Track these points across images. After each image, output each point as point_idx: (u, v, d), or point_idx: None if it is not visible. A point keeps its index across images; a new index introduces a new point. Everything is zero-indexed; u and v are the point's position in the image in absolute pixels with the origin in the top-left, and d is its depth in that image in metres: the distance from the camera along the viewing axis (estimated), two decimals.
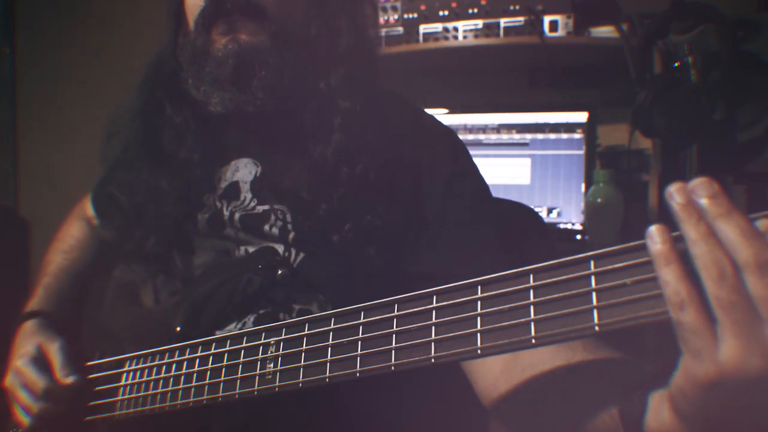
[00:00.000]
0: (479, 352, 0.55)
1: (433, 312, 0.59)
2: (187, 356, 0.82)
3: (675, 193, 0.46)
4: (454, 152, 0.98)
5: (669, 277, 0.45)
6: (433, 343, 0.58)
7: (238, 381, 0.74)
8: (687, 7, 1.39)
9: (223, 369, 0.76)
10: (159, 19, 1.03)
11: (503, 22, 1.88)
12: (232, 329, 0.92)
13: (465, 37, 1.92)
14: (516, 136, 2.02)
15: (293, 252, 0.93)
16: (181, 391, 0.81)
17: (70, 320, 1.06)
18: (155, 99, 1.02)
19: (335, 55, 0.95)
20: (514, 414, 0.80)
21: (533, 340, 0.52)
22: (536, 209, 1.82)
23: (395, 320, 0.62)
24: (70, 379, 0.93)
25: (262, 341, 0.73)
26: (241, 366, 0.74)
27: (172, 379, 0.83)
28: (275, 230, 0.93)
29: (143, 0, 2.42)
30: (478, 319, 0.56)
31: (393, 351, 0.61)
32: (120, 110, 1.07)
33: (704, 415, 0.48)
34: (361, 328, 0.64)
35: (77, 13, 2.60)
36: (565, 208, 1.96)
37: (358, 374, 0.63)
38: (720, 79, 1.32)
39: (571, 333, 0.51)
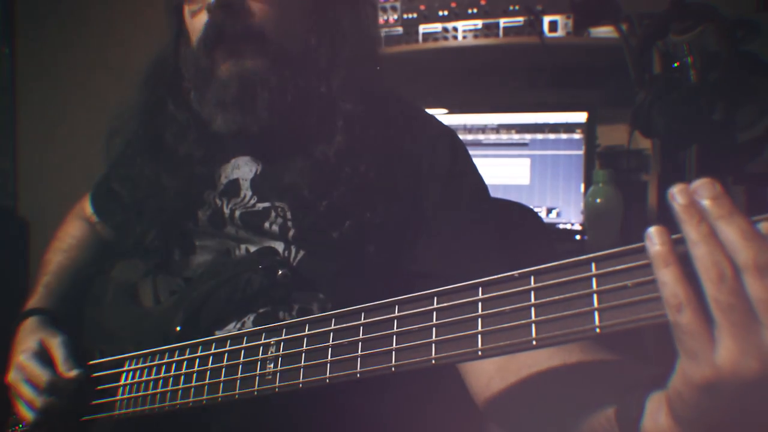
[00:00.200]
0: (480, 353, 0.55)
1: (434, 313, 0.59)
2: (187, 356, 0.82)
3: (677, 194, 0.46)
4: (454, 152, 0.98)
5: (667, 278, 0.45)
6: (433, 344, 0.58)
7: (238, 381, 0.74)
8: (686, 8, 1.39)
9: (223, 369, 0.76)
10: (159, 20, 1.04)
11: (503, 22, 1.88)
12: (231, 329, 0.92)
13: (464, 37, 1.92)
14: (515, 137, 2.02)
15: (293, 250, 0.94)
16: (180, 391, 0.81)
17: (70, 318, 1.07)
18: (157, 96, 1.03)
19: (336, 60, 0.95)
20: (508, 414, 0.80)
21: (534, 342, 0.52)
22: (535, 209, 1.82)
23: (396, 321, 0.62)
24: (73, 373, 0.93)
25: (263, 341, 0.73)
26: (241, 366, 0.74)
27: (171, 379, 0.83)
28: (275, 227, 0.94)
29: (143, 0, 2.42)
30: (479, 320, 0.56)
31: (393, 352, 0.61)
32: (122, 108, 1.07)
33: (701, 418, 0.48)
34: (361, 328, 0.64)
35: (77, 13, 2.60)
36: (565, 209, 1.96)
37: (358, 375, 0.63)
38: (719, 80, 1.32)
39: (572, 335, 0.50)
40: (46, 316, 1.05)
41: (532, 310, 0.53)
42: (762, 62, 1.36)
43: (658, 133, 1.41)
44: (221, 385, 0.76)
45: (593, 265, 0.50)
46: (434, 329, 0.59)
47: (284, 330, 0.72)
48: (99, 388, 0.93)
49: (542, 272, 0.53)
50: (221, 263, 0.95)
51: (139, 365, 0.89)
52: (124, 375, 0.90)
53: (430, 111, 1.08)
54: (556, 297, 0.52)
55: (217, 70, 0.92)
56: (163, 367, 0.85)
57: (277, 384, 0.70)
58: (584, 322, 0.50)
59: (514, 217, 1.27)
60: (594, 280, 0.50)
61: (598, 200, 1.77)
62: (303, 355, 0.68)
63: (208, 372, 0.78)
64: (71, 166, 2.48)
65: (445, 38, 1.94)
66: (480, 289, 0.57)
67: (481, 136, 2.06)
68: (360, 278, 0.92)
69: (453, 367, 0.85)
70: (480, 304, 0.56)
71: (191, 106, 0.99)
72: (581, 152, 1.94)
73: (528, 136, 2.00)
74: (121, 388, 0.90)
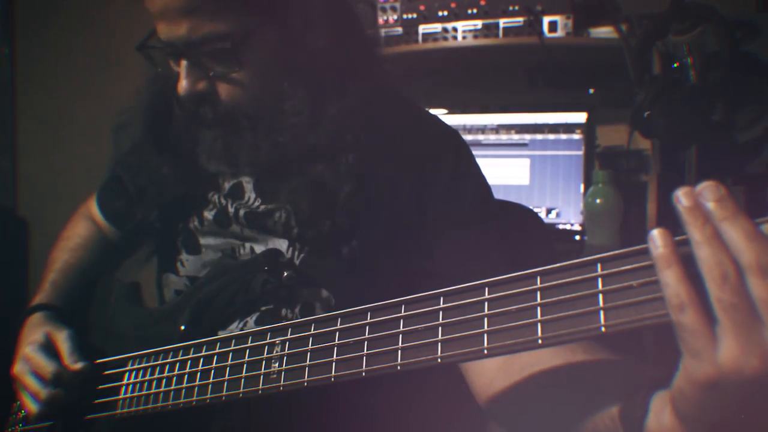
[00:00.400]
0: (486, 351, 0.56)
1: (440, 312, 0.60)
2: (191, 355, 0.82)
3: (682, 197, 0.47)
4: (457, 153, 0.99)
5: (669, 279, 0.46)
6: (439, 344, 0.59)
7: (243, 380, 0.74)
8: (686, 8, 1.40)
9: (228, 368, 0.77)
10: None
11: (502, 22, 1.88)
12: (234, 329, 0.92)
13: (464, 38, 1.92)
14: (515, 137, 2.02)
15: (297, 248, 0.94)
16: (184, 390, 0.81)
17: (76, 316, 1.07)
18: (163, 96, 1.03)
19: (326, 107, 0.93)
20: (510, 413, 0.81)
21: (540, 341, 0.53)
22: (535, 210, 1.82)
23: (402, 320, 0.62)
24: (79, 365, 0.94)
25: (268, 341, 0.73)
26: (245, 365, 0.75)
27: (175, 378, 0.83)
28: (279, 226, 0.95)
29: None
30: (485, 319, 0.56)
31: (399, 351, 0.61)
32: (128, 106, 1.08)
33: (704, 417, 0.48)
34: (367, 327, 0.64)
35: (77, 13, 2.60)
36: (564, 209, 1.96)
37: (363, 374, 0.63)
38: (719, 80, 1.32)
39: (578, 334, 0.51)
40: (53, 312, 1.06)
41: (538, 309, 0.53)
42: (762, 62, 1.36)
43: (657, 134, 1.41)
44: (225, 384, 0.76)
45: (599, 265, 0.51)
46: (440, 328, 0.59)
47: (290, 329, 0.72)
48: (103, 387, 0.94)
49: (548, 272, 0.54)
50: (227, 264, 0.95)
51: (144, 364, 0.89)
52: (128, 374, 0.91)
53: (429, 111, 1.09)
54: (562, 296, 0.52)
55: (203, 130, 0.94)
56: (167, 367, 0.85)
57: (282, 383, 0.70)
58: (590, 322, 0.50)
59: (515, 217, 1.27)
60: (600, 280, 0.51)
61: (598, 200, 1.77)
62: (308, 354, 0.68)
63: (213, 371, 0.78)
64: (71, 166, 2.48)
65: (445, 38, 1.94)
66: (486, 289, 0.57)
67: (480, 137, 2.07)
68: (363, 277, 0.93)
69: (454, 366, 0.85)
70: (486, 303, 0.57)
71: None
72: (581, 152, 1.95)
73: (528, 137, 2.01)
74: (125, 387, 0.90)
